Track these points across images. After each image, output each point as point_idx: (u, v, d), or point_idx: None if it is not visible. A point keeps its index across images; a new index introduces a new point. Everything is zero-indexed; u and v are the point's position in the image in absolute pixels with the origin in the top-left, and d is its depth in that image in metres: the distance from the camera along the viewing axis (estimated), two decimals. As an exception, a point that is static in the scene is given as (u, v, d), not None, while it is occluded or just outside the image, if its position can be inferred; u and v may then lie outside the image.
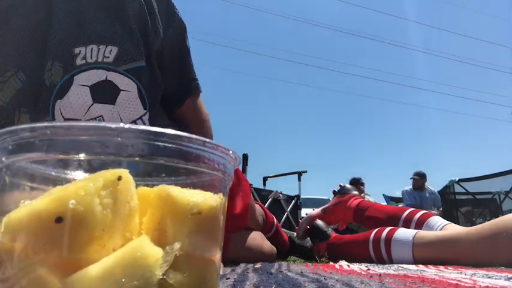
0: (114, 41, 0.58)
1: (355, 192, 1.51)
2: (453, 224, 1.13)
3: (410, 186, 4.86)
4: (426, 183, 4.82)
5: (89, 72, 0.56)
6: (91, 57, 0.56)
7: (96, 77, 0.56)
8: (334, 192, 1.57)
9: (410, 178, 4.86)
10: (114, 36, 0.58)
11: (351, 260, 1.10)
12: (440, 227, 1.12)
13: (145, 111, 0.62)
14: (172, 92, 0.73)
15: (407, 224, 1.20)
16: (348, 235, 1.35)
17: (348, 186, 1.55)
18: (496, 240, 0.91)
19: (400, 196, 5.14)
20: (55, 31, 0.57)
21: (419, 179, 4.79)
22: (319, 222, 1.41)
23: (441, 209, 4.59)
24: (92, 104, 0.56)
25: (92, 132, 0.22)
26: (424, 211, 1.25)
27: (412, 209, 1.27)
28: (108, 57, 0.57)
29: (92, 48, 0.56)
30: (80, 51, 0.56)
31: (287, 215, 3.85)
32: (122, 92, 0.58)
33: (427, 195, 4.74)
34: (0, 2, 0.59)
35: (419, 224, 1.17)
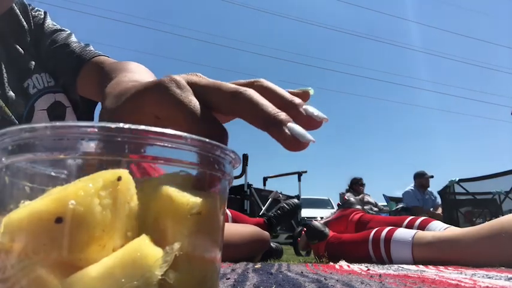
0: (46, 69, 0.68)
1: (358, 207, 1.53)
2: (454, 227, 1.14)
3: (412, 187, 4.74)
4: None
5: (43, 97, 0.65)
6: (39, 85, 0.65)
7: (49, 100, 0.65)
8: (338, 205, 1.61)
9: (426, 177, 4.66)
10: (44, 64, 0.69)
11: (350, 260, 1.10)
12: (441, 230, 1.12)
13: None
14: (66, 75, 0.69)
15: None
16: (347, 234, 1.36)
17: (352, 199, 1.57)
18: (495, 241, 0.91)
19: (401, 196, 5.10)
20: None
21: (429, 178, 4.64)
22: (315, 222, 1.42)
23: (440, 209, 4.54)
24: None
25: (92, 132, 0.22)
26: (424, 217, 1.26)
27: (411, 217, 1.28)
28: (51, 81, 0.67)
29: (36, 77, 0.65)
30: (29, 84, 0.64)
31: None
32: (67, 108, 0.68)
33: (427, 196, 4.68)
34: None
35: (421, 229, 1.18)
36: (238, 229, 1.20)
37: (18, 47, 0.66)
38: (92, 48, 0.69)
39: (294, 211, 1.84)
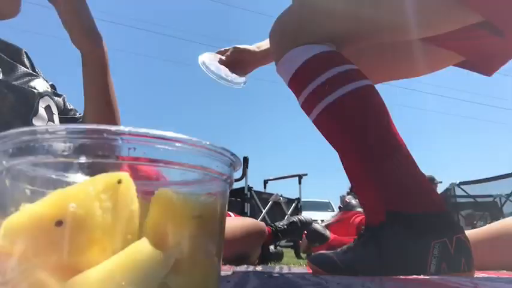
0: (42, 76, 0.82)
1: (359, 210, 1.52)
2: None
3: None
4: None
5: (43, 98, 0.76)
6: (41, 88, 0.77)
7: (46, 102, 0.77)
8: (339, 207, 1.59)
9: (435, 183, 4.53)
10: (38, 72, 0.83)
11: None
12: None
13: None
14: None
15: None
16: (349, 238, 1.35)
17: (353, 202, 1.56)
18: (496, 243, 0.90)
19: None
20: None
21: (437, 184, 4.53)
22: (315, 225, 1.41)
23: None
24: (48, 122, 0.76)
25: (93, 135, 0.22)
26: None
27: None
28: (48, 88, 0.80)
29: (38, 81, 0.77)
30: (36, 85, 0.76)
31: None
32: (54, 114, 0.78)
33: None
34: None
35: None
36: (234, 223, 1.18)
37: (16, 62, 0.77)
38: None
39: (304, 228, 1.79)
